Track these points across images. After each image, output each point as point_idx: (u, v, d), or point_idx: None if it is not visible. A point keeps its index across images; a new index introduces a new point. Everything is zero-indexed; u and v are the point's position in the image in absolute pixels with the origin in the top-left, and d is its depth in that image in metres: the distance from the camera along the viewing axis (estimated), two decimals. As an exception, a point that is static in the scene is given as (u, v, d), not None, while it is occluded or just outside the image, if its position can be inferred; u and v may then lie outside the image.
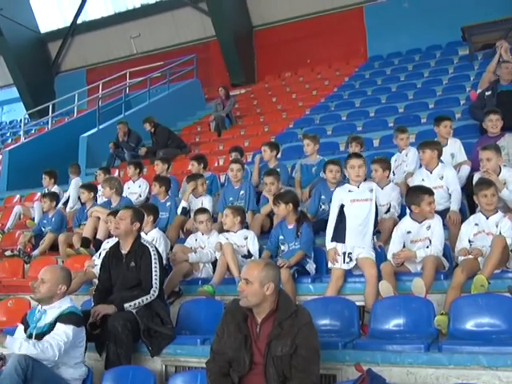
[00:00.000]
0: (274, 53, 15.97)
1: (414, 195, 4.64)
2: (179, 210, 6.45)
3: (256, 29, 16.97)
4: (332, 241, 4.74)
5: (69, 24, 19.61)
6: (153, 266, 4.40)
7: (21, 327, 4.02)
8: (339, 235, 4.72)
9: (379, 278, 4.41)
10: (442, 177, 5.26)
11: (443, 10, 13.62)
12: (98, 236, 6.50)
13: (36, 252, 7.13)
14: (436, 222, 4.59)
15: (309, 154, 6.83)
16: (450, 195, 5.20)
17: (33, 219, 8.25)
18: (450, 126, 6.13)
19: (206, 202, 6.38)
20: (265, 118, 11.91)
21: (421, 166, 5.78)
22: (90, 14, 19.47)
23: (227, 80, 15.77)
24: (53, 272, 4.01)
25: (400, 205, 5.41)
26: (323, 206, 5.73)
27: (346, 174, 4.98)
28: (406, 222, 4.69)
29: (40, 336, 3.81)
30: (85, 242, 6.58)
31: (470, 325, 3.82)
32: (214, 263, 5.32)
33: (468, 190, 5.25)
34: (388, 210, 5.34)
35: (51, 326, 3.82)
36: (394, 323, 4.05)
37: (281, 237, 5.16)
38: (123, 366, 4.06)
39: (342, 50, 15.04)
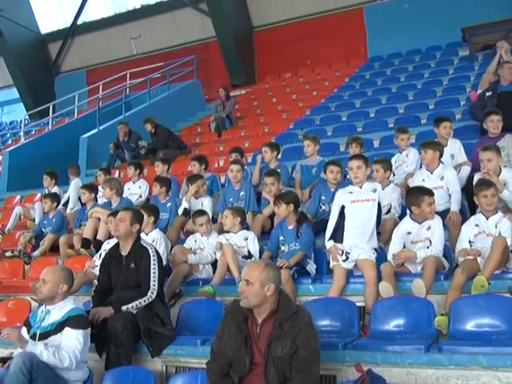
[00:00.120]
0: (274, 53, 15.97)
1: (414, 196, 4.64)
2: (180, 211, 6.45)
3: (256, 29, 16.99)
4: (330, 239, 4.77)
5: (69, 25, 19.63)
6: (151, 267, 4.39)
7: (24, 329, 4.04)
8: (338, 235, 4.75)
9: (379, 278, 4.41)
10: (443, 177, 5.27)
11: (443, 10, 13.62)
12: (99, 237, 6.51)
13: (36, 253, 7.13)
14: (436, 222, 4.59)
15: (309, 154, 6.84)
16: (450, 196, 5.21)
17: (33, 220, 8.25)
18: (449, 127, 6.14)
19: (206, 202, 6.38)
20: (265, 118, 11.91)
21: (421, 166, 5.79)
22: (90, 15, 19.48)
23: (227, 81, 15.78)
24: (54, 272, 4.04)
25: (400, 205, 5.41)
26: (323, 207, 5.73)
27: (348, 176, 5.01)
28: (406, 223, 4.70)
29: (44, 335, 3.84)
30: (85, 243, 6.59)
31: (470, 325, 3.82)
32: (214, 264, 5.32)
33: (468, 190, 5.25)
34: (388, 211, 5.34)
35: (56, 327, 3.84)
36: (395, 324, 4.05)
37: (281, 237, 5.17)
38: (123, 366, 4.06)
39: (342, 51, 15.05)
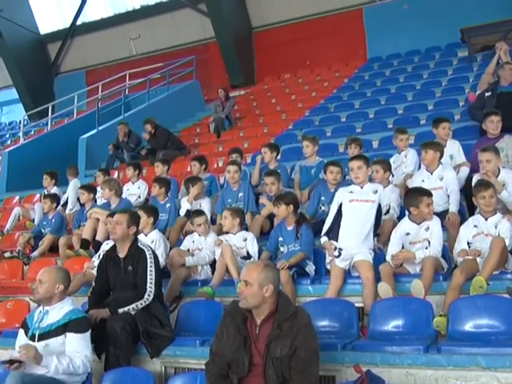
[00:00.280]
0: (273, 54, 15.98)
1: (413, 197, 4.64)
2: (183, 212, 6.42)
3: (255, 30, 16.98)
4: (325, 235, 4.79)
5: (68, 25, 19.61)
6: (148, 270, 4.38)
7: (21, 331, 4.03)
8: (333, 233, 4.76)
9: (377, 279, 4.40)
10: (442, 178, 5.28)
11: (442, 11, 13.63)
12: (98, 237, 6.50)
13: (35, 253, 7.13)
14: (434, 223, 4.59)
15: (308, 155, 6.84)
16: (449, 197, 5.21)
17: (32, 221, 8.24)
18: (448, 128, 6.14)
19: (205, 204, 6.38)
20: (264, 119, 11.91)
21: (419, 167, 5.79)
22: (89, 16, 19.47)
23: (227, 81, 15.77)
24: (50, 272, 4.03)
25: (399, 206, 5.41)
26: (323, 208, 5.74)
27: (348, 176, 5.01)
28: (405, 224, 4.70)
29: (44, 336, 3.84)
30: (84, 244, 6.59)
31: (468, 326, 3.82)
32: (213, 265, 5.32)
33: (467, 191, 5.25)
34: (387, 212, 5.34)
35: (56, 328, 3.84)
36: (393, 324, 4.05)
37: (280, 238, 5.17)
38: (123, 367, 4.06)
39: (341, 52, 15.04)
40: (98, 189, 7.58)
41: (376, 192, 4.79)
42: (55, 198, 7.71)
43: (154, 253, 4.57)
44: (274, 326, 3.22)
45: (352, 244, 4.63)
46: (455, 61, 12.46)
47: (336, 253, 4.61)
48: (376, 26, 14.77)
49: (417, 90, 10.85)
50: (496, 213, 4.51)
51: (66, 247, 6.83)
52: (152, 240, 5.40)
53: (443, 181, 5.26)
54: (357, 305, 4.32)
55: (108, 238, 6.07)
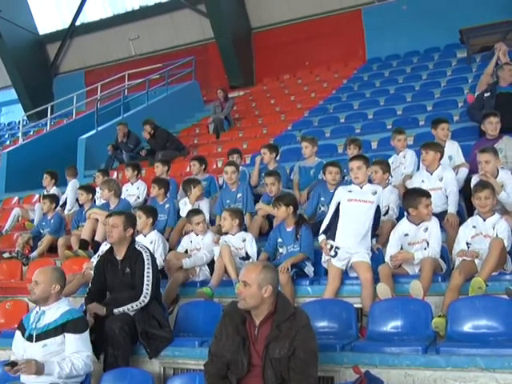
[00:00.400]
0: (272, 55, 15.98)
1: (411, 198, 4.64)
2: (184, 213, 6.42)
3: (255, 31, 16.99)
4: (322, 233, 4.79)
5: (67, 26, 19.60)
6: (145, 271, 4.36)
7: (18, 333, 4.02)
8: (331, 232, 4.76)
9: (376, 280, 4.41)
10: (442, 179, 5.28)
11: (441, 12, 13.64)
12: (97, 238, 6.50)
13: (34, 254, 7.12)
14: (433, 223, 4.59)
15: (307, 156, 6.84)
16: (447, 197, 5.21)
17: (31, 221, 8.24)
18: (447, 129, 6.14)
19: (203, 205, 6.38)
20: (263, 120, 11.91)
21: (418, 168, 5.79)
22: (88, 16, 19.46)
23: (226, 82, 15.77)
24: (45, 273, 4.03)
25: (398, 207, 5.41)
26: (322, 208, 5.73)
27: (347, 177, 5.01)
28: (404, 225, 4.70)
29: (41, 336, 3.83)
30: (83, 244, 6.58)
31: (467, 327, 3.83)
32: (212, 265, 5.31)
33: (466, 192, 5.26)
34: (386, 213, 5.34)
35: (54, 328, 3.84)
36: (392, 325, 4.05)
37: (279, 239, 5.16)
38: (121, 368, 4.05)
39: (340, 53, 15.05)
40: (97, 189, 7.58)
41: (375, 193, 4.79)
42: (54, 199, 7.71)
43: (151, 254, 4.55)
44: (272, 327, 3.22)
45: (349, 243, 4.63)
46: (454, 62, 12.47)
47: (332, 252, 4.61)
48: (375, 26, 14.79)
49: (416, 90, 10.85)
50: (494, 213, 4.52)
51: (65, 248, 6.83)
52: (151, 241, 5.40)
53: (443, 181, 5.26)
54: (355, 305, 4.32)
55: (107, 239, 6.07)
